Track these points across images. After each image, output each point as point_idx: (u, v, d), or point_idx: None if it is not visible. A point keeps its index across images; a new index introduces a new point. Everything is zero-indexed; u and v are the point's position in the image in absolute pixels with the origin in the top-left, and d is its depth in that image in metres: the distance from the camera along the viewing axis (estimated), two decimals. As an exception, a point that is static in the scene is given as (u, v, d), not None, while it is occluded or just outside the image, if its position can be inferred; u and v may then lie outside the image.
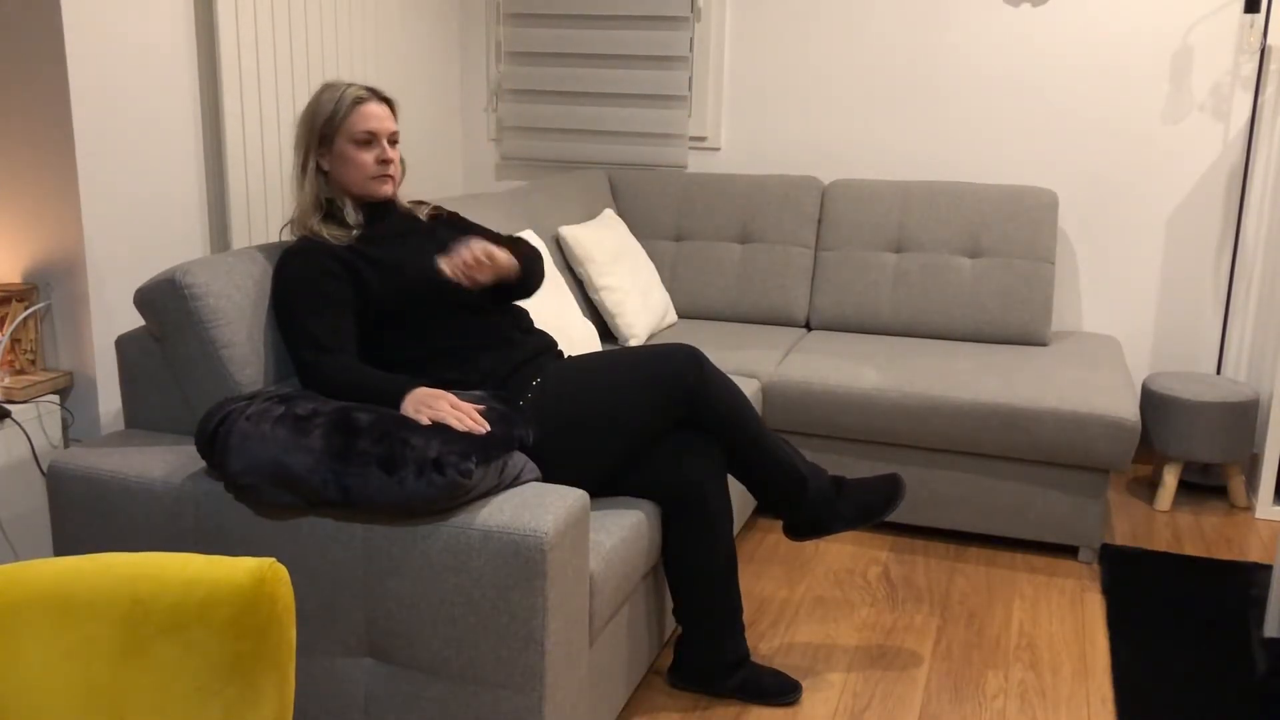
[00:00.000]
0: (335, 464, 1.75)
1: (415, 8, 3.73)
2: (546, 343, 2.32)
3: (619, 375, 2.16)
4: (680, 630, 2.32)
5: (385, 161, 2.22)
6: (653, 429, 2.16)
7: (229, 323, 2.02)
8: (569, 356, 2.30)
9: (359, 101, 2.20)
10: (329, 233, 2.18)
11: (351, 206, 2.23)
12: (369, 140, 2.20)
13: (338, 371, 2.02)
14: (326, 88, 2.23)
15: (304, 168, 2.21)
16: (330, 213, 2.23)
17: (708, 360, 2.22)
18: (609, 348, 2.41)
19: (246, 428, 1.81)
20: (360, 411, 1.83)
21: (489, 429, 1.87)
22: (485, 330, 2.23)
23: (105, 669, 1.24)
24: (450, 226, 2.38)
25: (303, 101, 3.09)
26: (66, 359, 2.51)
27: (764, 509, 2.34)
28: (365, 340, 2.18)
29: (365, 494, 1.74)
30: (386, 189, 2.24)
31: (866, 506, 2.30)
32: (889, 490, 2.31)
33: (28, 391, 2.38)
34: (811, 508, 2.29)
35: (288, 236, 2.27)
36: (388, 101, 2.26)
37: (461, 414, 1.88)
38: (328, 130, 2.19)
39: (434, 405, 1.90)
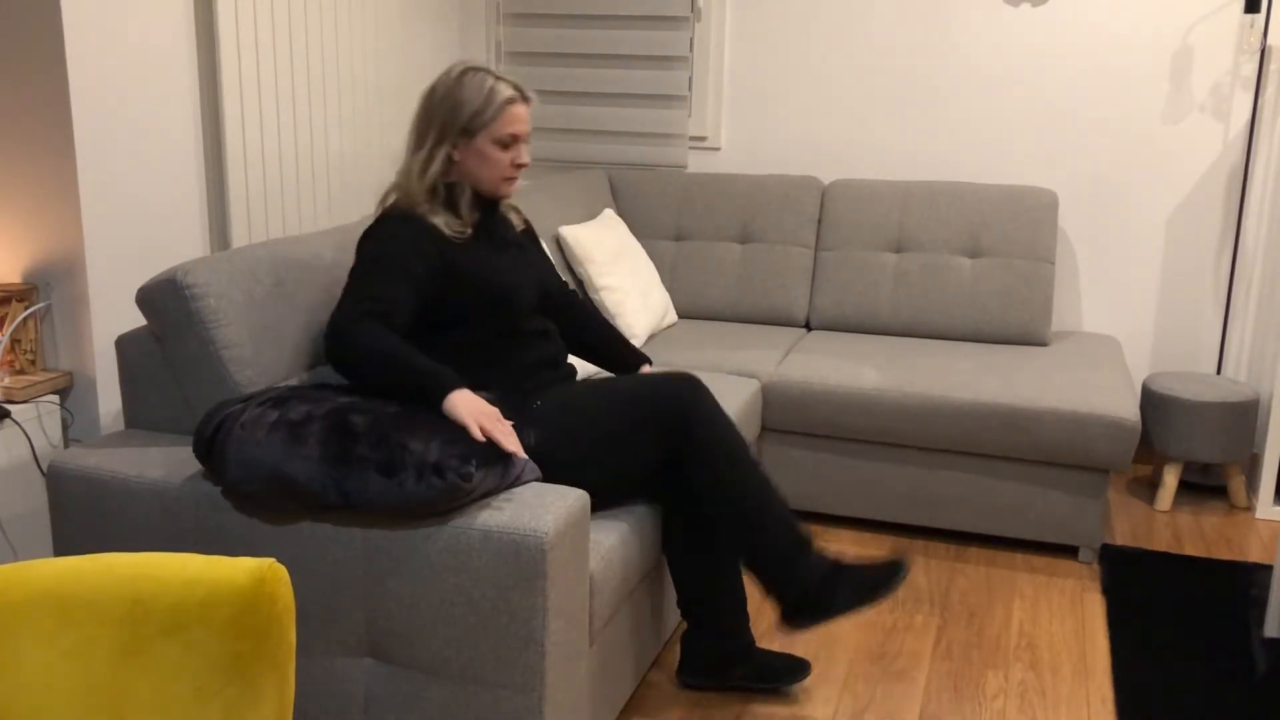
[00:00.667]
0: (334, 470, 1.74)
1: (415, 8, 3.73)
2: (566, 373, 2.30)
3: (617, 397, 2.12)
4: (685, 626, 2.32)
5: (520, 165, 2.17)
6: (646, 454, 2.10)
7: (230, 323, 2.02)
8: (577, 380, 2.29)
9: (511, 102, 2.12)
10: (442, 220, 2.11)
11: (470, 199, 2.16)
12: (511, 142, 2.14)
13: (378, 335, 1.93)
14: (470, 72, 2.13)
15: (432, 153, 2.12)
16: (447, 200, 2.15)
17: (707, 392, 2.14)
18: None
19: (242, 436, 1.80)
20: (355, 414, 1.82)
21: (519, 452, 1.85)
22: (523, 354, 2.20)
23: (105, 669, 1.24)
24: (534, 245, 2.36)
25: (303, 101, 3.09)
26: (66, 359, 2.51)
27: (766, 584, 2.13)
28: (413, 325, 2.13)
29: (365, 497, 1.74)
30: (512, 190, 2.19)
31: (871, 583, 2.11)
32: (891, 570, 2.14)
33: (28, 391, 2.38)
34: (812, 580, 2.09)
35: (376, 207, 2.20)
36: (529, 100, 2.19)
37: (507, 436, 1.84)
38: (473, 125, 2.10)
39: (490, 416, 1.84)
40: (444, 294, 2.10)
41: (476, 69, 2.15)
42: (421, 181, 2.12)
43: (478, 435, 1.80)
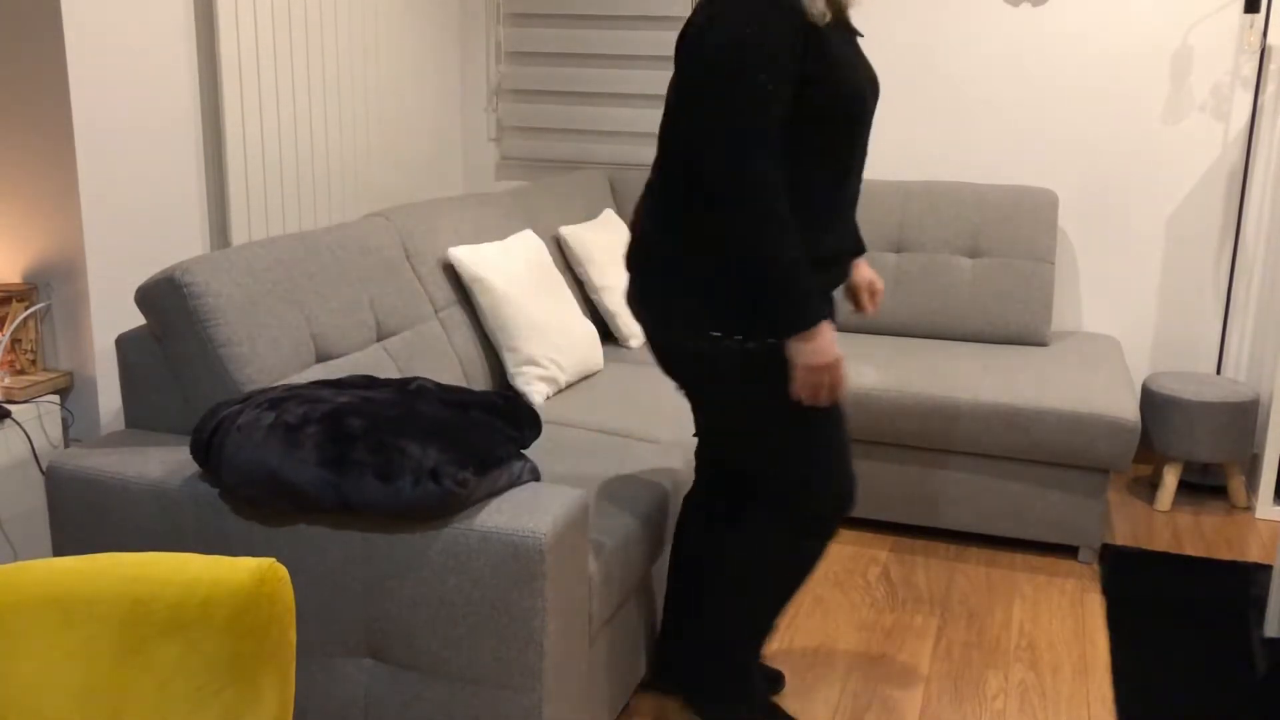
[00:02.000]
0: (331, 475, 1.74)
1: (415, 8, 3.73)
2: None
3: (829, 443, 1.90)
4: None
5: None
6: (771, 487, 1.96)
7: (228, 321, 2.02)
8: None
9: None
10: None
11: None
12: None
13: (776, 214, 1.58)
14: None
15: None
16: None
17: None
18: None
19: (239, 439, 1.79)
20: (352, 416, 1.81)
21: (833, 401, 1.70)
22: (844, 191, 1.78)
23: (105, 669, 1.24)
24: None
25: (303, 100, 3.09)
26: (66, 359, 2.51)
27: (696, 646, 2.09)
28: None
29: (362, 500, 1.73)
30: None
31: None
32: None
33: (28, 391, 2.38)
34: (715, 684, 2.07)
35: None
36: None
37: (833, 390, 1.68)
38: None
39: (835, 374, 1.67)
40: (793, 102, 1.66)
41: None
42: None
43: (813, 400, 1.68)
